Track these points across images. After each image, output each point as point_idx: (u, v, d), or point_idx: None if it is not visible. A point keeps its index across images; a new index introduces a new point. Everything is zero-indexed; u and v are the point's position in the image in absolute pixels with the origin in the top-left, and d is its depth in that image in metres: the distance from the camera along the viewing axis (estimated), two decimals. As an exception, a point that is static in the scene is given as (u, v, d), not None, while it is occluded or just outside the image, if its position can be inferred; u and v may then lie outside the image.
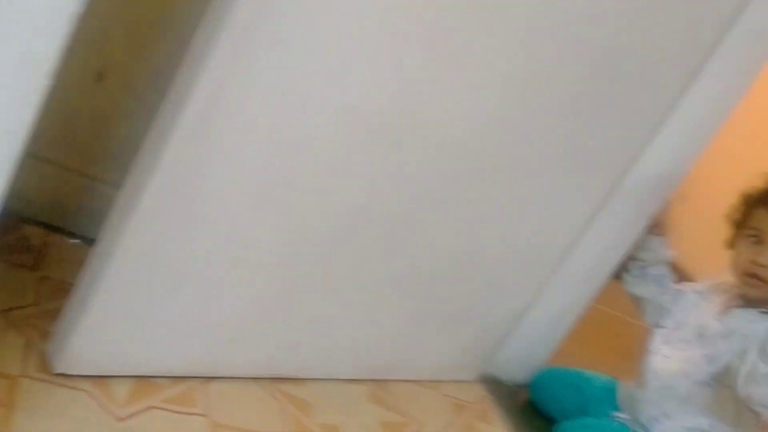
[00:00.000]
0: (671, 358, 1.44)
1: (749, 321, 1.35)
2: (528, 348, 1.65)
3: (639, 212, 1.54)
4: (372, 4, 0.92)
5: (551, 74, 1.18)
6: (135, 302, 1.00)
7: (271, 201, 1.03)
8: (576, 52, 1.18)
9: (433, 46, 1.02)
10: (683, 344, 1.45)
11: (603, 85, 1.28)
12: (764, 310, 1.36)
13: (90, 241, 1.15)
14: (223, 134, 0.92)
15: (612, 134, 1.39)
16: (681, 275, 1.63)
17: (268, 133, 0.96)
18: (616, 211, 1.51)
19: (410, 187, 1.15)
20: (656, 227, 1.55)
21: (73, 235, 1.31)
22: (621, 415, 1.48)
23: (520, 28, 1.09)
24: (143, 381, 1.07)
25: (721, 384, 1.36)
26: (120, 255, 0.94)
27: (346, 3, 0.90)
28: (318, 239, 1.12)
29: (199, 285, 1.04)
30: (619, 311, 2.54)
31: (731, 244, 1.44)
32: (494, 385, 1.63)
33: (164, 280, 1.00)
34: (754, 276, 1.36)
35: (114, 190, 1.01)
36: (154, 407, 1.04)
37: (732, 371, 1.30)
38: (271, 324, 1.18)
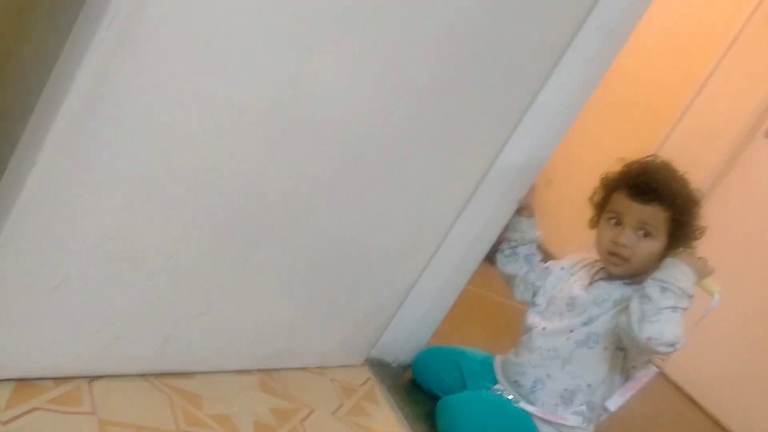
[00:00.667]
0: (550, 327, 1.56)
1: (615, 288, 1.48)
2: (410, 330, 1.72)
3: (508, 196, 1.64)
4: (252, -3, 0.94)
5: (424, 65, 1.25)
6: (15, 301, 0.97)
7: (156, 194, 1.02)
8: (446, 45, 1.25)
9: (313, 38, 1.05)
10: (557, 316, 1.57)
11: (471, 76, 1.36)
12: (627, 281, 1.50)
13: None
14: (105, 128, 0.91)
15: (480, 123, 1.48)
16: (547, 254, 1.76)
17: (151, 127, 0.96)
18: (487, 195, 1.60)
19: (295, 176, 1.18)
20: (524, 209, 1.66)
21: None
22: (498, 387, 1.58)
23: (396, 21, 1.14)
24: (26, 383, 1.04)
25: (598, 344, 1.48)
26: (-3, 253, 0.91)
27: (227, -4, 0.92)
28: (205, 231, 1.13)
29: (82, 282, 1.02)
30: (491, 292, 2.69)
31: (594, 224, 1.58)
32: (380, 368, 1.69)
33: (46, 278, 0.98)
34: (615, 254, 1.50)
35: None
36: (38, 408, 1.01)
37: (621, 327, 1.42)
38: (159, 318, 1.17)
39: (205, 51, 0.94)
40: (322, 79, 1.10)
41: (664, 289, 1.37)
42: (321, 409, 1.40)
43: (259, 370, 1.42)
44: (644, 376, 1.49)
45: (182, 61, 0.92)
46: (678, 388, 2.96)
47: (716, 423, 2.83)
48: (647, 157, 1.53)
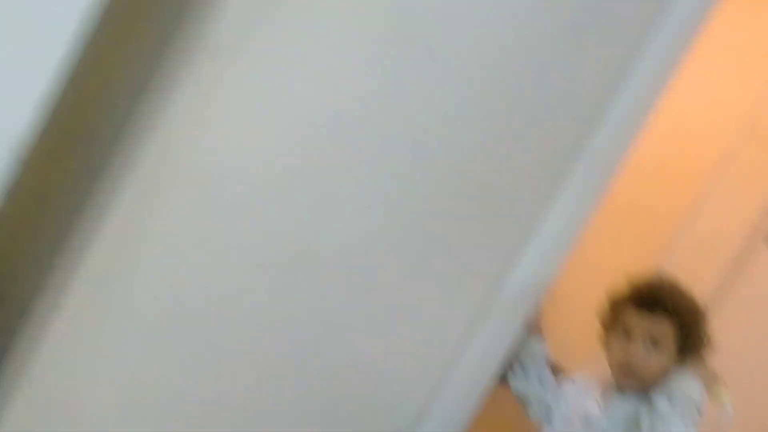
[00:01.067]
0: None
1: (629, 405, 1.49)
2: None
3: (515, 317, 1.65)
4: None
5: (425, 190, 1.29)
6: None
7: (169, 342, 1.04)
8: (443, 171, 1.30)
9: (318, 176, 1.10)
10: None
11: (473, 199, 1.40)
12: (639, 395, 1.50)
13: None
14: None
15: (485, 244, 1.51)
16: (555, 371, 1.75)
17: (164, 269, 1.00)
18: (494, 317, 1.61)
19: (301, 313, 1.20)
20: (532, 327, 1.67)
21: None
22: None
23: (396, 150, 1.20)
24: None
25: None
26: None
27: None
28: (213, 376, 1.14)
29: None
30: (504, 413, 2.64)
31: (604, 343, 1.59)
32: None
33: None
34: (626, 368, 1.51)
35: None
36: None
37: None
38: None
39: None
40: (328, 213, 1.15)
41: (671, 398, 1.39)
42: None
43: None
44: None
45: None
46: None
47: None
48: (653, 276, 1.59)
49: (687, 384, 1.41)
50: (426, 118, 1.22)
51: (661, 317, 1.48)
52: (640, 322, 1.50)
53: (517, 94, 1.36)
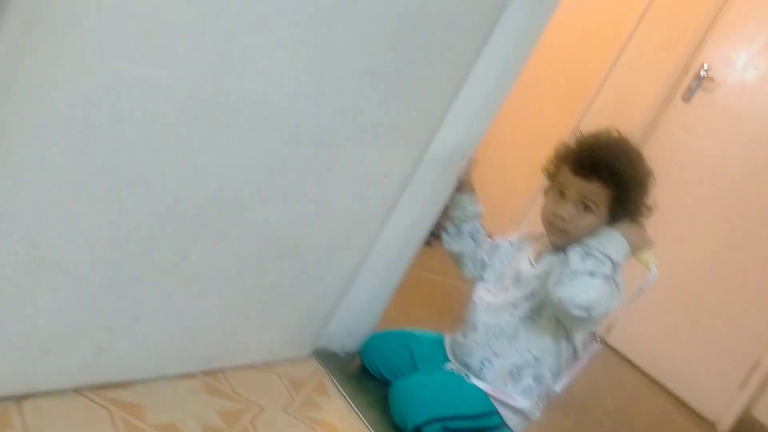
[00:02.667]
0: (493, 302, 1.55)
1: (558, 261, 1.48)
2: (355, 317, 1.68)
3: (445, 175, 1.62)
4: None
5: (356, 46, 1.19)
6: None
7: (78, 193, 0.94)
8: (377, 24, 1.20)
9: (241, 17, 0.98)
10: (503, 292, 1.56)
11: (402, 58, 1.31)
12: None
13: None
14: (19, 121, 0.82)
15: (414, 105, 1.44)
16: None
17: (69, 118, 0.87)
18: (425, 176, 1.57)
19: (229, 165, 1.11)
20: (464, 186, 1.64)
21: None
22: (451, 366, 1.56)
23: (327, 2, 1.08)
24: (-55, 410, 0.95)
25: (540, 315, 1.48)
26: None
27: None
28: (135, 230, 1.04)
29: (2, 294, 0.93)
30: (430, 272, 2.68)
31: (546, 194, 1.57)
32: (327, 358, 1.64)
33: (-40, 294, 0.89)
34: (554, 226, 1.50)
35: None
36: (-38, 437, 0.92)
37: (546, 289, 1.43)
38: (89, 327, 1.08)
39: (126, 31, 0.86)
40: (251, 61, 1.03)
41: (586, 254, 1.39)
42: (271, 406, 1.35)
43: (202, 372, 1.34)
44: (587, 354, 1.51)
45: (103, 42, 0.84)
46: (616, 351, 3.03)
47: (653, 381, 2.92)
48: (603, 131, 1.51)
49: (607, 242, 1.41)
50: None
51: (596, 183, 1.44)
52: (575, 186, 1.47)
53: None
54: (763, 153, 2.76)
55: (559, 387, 1.50)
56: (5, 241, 0.90)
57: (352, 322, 1.67)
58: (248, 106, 1.07)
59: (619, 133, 1.51)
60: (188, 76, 0.96)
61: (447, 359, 1.58)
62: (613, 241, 1.42)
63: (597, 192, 1.45)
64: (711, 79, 2.92)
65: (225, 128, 1.06)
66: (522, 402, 1.50)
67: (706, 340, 2.81)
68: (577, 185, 1.46)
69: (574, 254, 1.40)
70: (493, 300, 1.56)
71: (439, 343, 1.63)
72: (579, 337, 1.51)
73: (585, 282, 1.36)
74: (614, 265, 1.40)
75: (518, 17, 1.47)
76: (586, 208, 1.46)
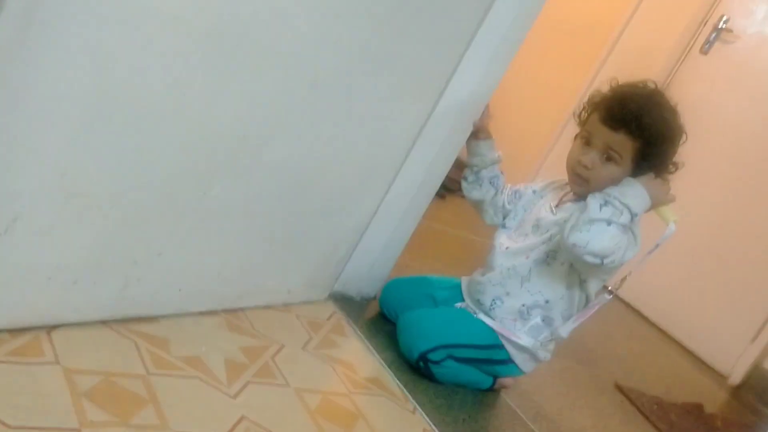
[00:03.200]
0: (513, 247, 1.56)
1: (579, 209, 1.48)
2: (372, 262, 1.70)
3: (461, 122, 1.62)
4: None
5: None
6: (-41, 249, 0.90)
7: (102, 124, 0.95)
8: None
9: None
10: (522, 237, 1.57)
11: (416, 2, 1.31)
12: None
13: None
14: (42, 54, 0.84)
15: (430, 49, 1.44)
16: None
17: (91, 51, 0.88)
18: (441, 121, 1.57)
19: (247, 102, 1.12)
20: (480, 132, 1.64)
21: None
22: (462, 304, 1.59)
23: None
24: (-21, 337, 0.98)
25: (555, 260, 1.49)
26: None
27: None
28: (159, 165, 1.07)
29: (31, 224, 0.95)
30: (442, 224, 2.70)
31: (575, 139, 1.56)
32: (344, 302, 1.67)
33: (-8, 222, 0.91)
34: (576, 173, 1.49)
35: None
36: (-3, 361, 0.95)
37: (562, 234, 1.43)
38: (117, 260, 1.11)
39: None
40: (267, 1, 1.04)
41: (605, 202, 1.39)
42: (291, 344, 1.38)
43: (224, 311, 1.38)
44: (597, 303, 1.51)
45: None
46: (626, 304, 3.05)
47: (663, 333, 2.95)
48: (639, 82, 1.49)
49: (629, 192, 1.40)
50: None
51: (623, 135, 1.43)
52: (601, 135, 1.46)
53: None
54: (780, 106, 2.74)
55: (564, 332, 1.51)
56: (33, 171, 0.92)
57: (368, 267, 1.70)
58: (265, 42, 1.08)
59: (656, 85, 1.49)
60: (208, 7, 0.97)
61: (462, 300, 1.61)
62: (634, 192, 1.41)
63: (623, 143, 1.44)
64: (730, 30, 2.89)
65: (243, 64, 1.07)
66: (527, 340, 1.52)
67: (718, 293, 2.82)
68: (604, 134, 1.45)
69: (594, 201, 1.39)
70: (513, 245, 1.57)
71: (458, 287, 1.65)
72: (593, 286, 1.52)
73: (601, 229, 1.37)
74: (632, 215, 1.39)
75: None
76: (610, 158, 1.45)
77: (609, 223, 1.37)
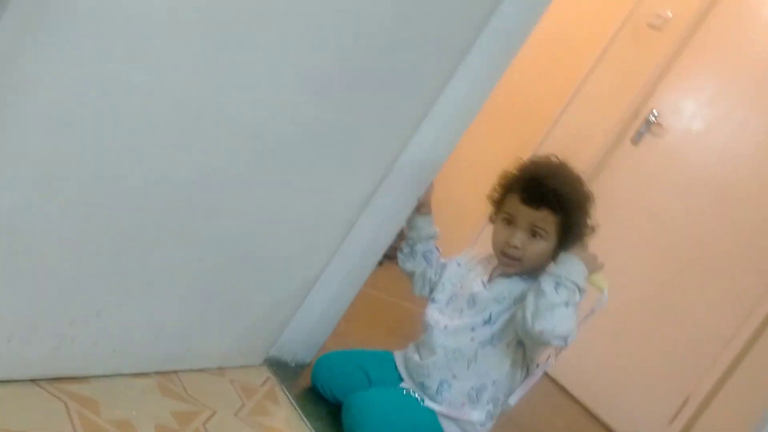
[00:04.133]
0: (450, 325, 1.58)
1: (514, 285, 1.53)
2: (309, 329, 1.71)
3: (407, 195, 1.67)
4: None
5: (332, 63, 1.25)
6: None
7: (54, 185, 0.96)
8: (353, 44, 1.26)
9: (227, 30, 1.02)
10: (458, 313, 1.59)
11: (376, 76, 1.37)
12: (524, 277, 1.55)
13: None
14: (4, 111, 0.84)
15: (384, 123, 1.50)
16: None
17: (53, 111, 0.90)
18: (388, 194, 1.62)
19: (201, 170, 1.14)
20: (422, 207, 1.69)
21: None
22: (405, 385, 1.58)
23: (306, 20, 1.13)
24: None
25: (501, 341, 1.52)
26: None
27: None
28: (105, 226, 1.07)
29: (-29, 279, 0.94)
30: (380, 291, 2.72)
31: (491, 220, 1.61)
32: (278, 367, 1.66)
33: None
34: (507, 255, 1.54)
35: None
36: None
37: (517, 320, 1.47)
38: (53, 319, 1.10)
39: (120, 33, 0.89)
40: (234, 71, 1.08)
41: (558, 285, 1.43)
42: (223, 410, 1.36)
43: (157, 373, 1.36)
44: (539, 370, 1.55)
45: (97, 42, 0.87)
46: (553, 380, 3.11)
47: (586, 409, 3.01)
48: (543, 158, 1.57)
49: (572, 269, 1.45)
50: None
51: (546, 212, 1.49)
52: (524, 215, 1.51)
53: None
54: (702, 198, 2.90)
55: (512, 400, 1.53)
56: (-19, 226, 0.91)
57: (305, 334, 1.70)
58: (226, 114, 1.11)
59: (557, 158, 1.57)
60: (173, 81, 1.00)
61: (401, 378, 1.61)
62: (576, 268, 1.47)
63: (546, 219, 1.50)
64: (659, 124, 3.06)
65: (201, 134, 1.10)
66: (478, 416, 1.52)
67: (639, 373, 2.90)
68: (527, 214, 1.51)
69: (547, 285, 1.43)
70: (449, 323, 1.59)
71: (392, 362, 1.65)
72: (535, 359, 1.56)
73: (562, 313, 1.41)
74: (581, 291, 1.46)
75: (490, 46, 1.52)
76: (537, 234, 1.51)
77: (567, 304, 1.42)
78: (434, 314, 1.62)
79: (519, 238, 1.52)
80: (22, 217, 0.95)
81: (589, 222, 1.55)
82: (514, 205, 1.54)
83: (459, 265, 1.70)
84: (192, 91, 1.03)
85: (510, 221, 1.55)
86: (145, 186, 1.07)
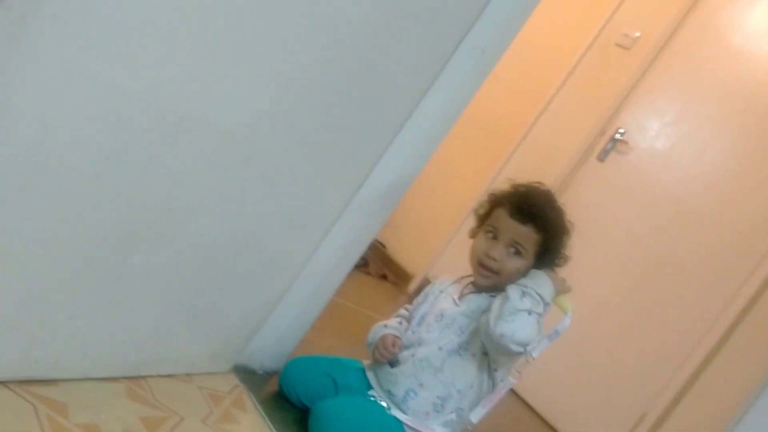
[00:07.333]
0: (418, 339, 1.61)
1: (484, 300, 1.57)
2: (278, 338, 1.72)
3: (380, 208, 1.69)
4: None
5: (310, 75, 1.27)
6: None
7: (32, 186, 0.96)
8: (332, 58, 1.28)
9: (208, 39, 1.04)
10: (426, 330, 1.63)
11: (353, 89, 1.40)
12: (492, 294, 1.59)
13: None
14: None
15: (359, 136, 1.53)
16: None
17: (32, 112, 0.90)
18: (361, 207, 1.64)
19: (180, 176, 1.15)
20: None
21: None
22: (373, 393, 1.60)
23: (286, 34, 1.15)
24: None
25: (467, 351, 1.55)
26: None
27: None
28: (81, 229, 1.07)
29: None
30: (349, 301, 2.74)
31: (473, 235, 1.66)
32: (246, 375, 1.67)
33: None
34: (485, 267, 1.59)
35: None
36: None
37: (481, 324, 1.52)
38: (25, 322, 1.09)
39: (103, 36, 0.90)
40: (218, 79, 1.09)
41: (524, 293, 1.49)
42: (191, 417, 1.37)
43: (125, 378, 1.35)
44: (503, 387, 1.58)
45: (84, 46, 0.88)
46: (515, 394, 3.15)
47: (546, 423, 3.05)
48: (534, 182, 1.64)
49: (540, 283, 1.52)
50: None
51: (530, 229, 1.56)
52: (509, 228, 1.57)
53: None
54: (664, 215, 2.97)
55: (475, 418, 1.57)
56: (-43, 228, 0.91)
57: (274, 342, 1.71)
58: (208, 121, 1.12)
59: (545, 186, 1.64)
60: (155, 85, 1.01)
61: (370, 386, 1.62)
62: (544, 283, 1.53)
63: (528, 237, 1.57)
64: (625, 142, 3.13)
65: (183, 140, 1.11)
66: (441, 431, 1.56)
67: (597, 389, 2.95)
68: (512, 228, 1.57)
69: (514, 292, 1.49)
70: (417, 337, 1.63)
71: (361, 372, 1.67)
72: (500, 373, 1.58)
73: (524, 319, 1.46)
74: (545, 305, 1.51)
75: (464, 63, 1.56)
76: (516, 251, 1.57)
77: (530, 313, 1.47)
78: (408, 337, 1.66)
79: (499, 251, 1.58)
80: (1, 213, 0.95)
81: (563, 252, 1.60)
82: (501, 218, 1.60)
83: (426, 295, 1.74)
84: (172, 97, 1.04)
85: (494, 235, 1.60)
86: (123, 190, 1.08)
